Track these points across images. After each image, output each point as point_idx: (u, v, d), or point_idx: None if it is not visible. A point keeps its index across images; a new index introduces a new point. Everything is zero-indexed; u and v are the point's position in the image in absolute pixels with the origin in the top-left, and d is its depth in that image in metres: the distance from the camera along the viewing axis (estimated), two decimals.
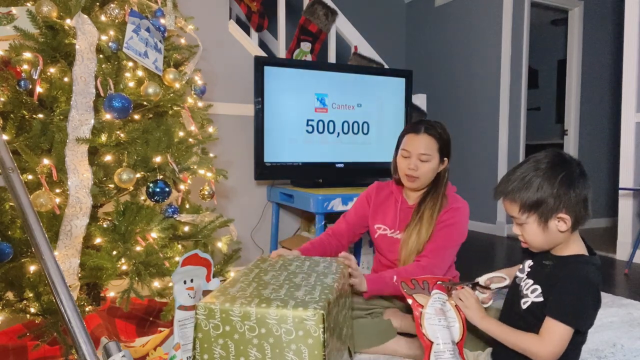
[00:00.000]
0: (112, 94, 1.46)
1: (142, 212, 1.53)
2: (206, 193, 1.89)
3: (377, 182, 1.86)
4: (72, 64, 1.46)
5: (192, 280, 1.23)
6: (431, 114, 3.72)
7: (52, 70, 1.48)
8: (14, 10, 1.46)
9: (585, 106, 4.68)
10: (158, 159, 1.58)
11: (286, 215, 2.99)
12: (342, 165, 2.85)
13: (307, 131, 2.74)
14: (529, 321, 1.11)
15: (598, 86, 4.76)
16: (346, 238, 1.80)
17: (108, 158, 1.54)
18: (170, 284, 1.49)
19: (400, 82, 3.00)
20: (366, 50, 3.22)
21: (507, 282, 1.28)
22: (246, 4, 2.99)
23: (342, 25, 3.16)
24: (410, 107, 3.05)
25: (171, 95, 1.69)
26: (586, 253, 1.13)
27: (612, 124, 4.75)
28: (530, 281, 1.15)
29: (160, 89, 1.60)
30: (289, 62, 2.84)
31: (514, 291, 1.21)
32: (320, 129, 2.78)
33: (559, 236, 1.10)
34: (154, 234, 1.54)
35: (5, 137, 1.35)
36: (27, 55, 1.44)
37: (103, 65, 1.52)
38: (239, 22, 3.10)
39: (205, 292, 1.24)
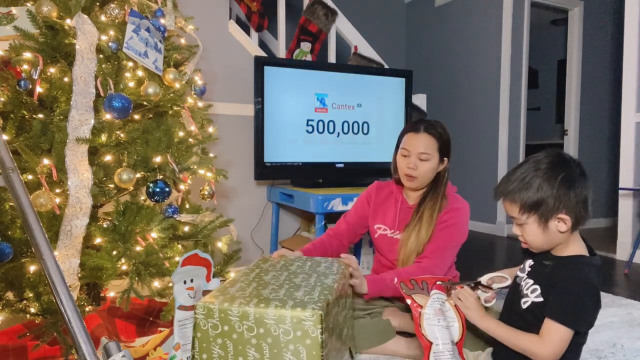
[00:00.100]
0: (112, 94, 1.46)
1: (142, 212, 1.53)
2: (206, 193, 1.89)
3: (377, 181, 1.86)
4: (72, 64, 1.46)
5: (192, 280, 1.23)
6: (431, 114, 3.72)
7: (52, 70, 1.48)
8: (14, 10, 1.46)
9: (585, 106, 4.68)
10: (158, 159, 1.58)
11: (286, 215, 3.00)
12: (342, 165, 2.85)
13: (307, 131, 2.74)
14: (529, 321, 1.11)
15: (598, 86, 4.76)
16: (347, 238, 1.80)
17: (108, 158, 1.54)
18: (170, 284, 1.49)
19: (400, 82, 3.00)
20: (366, 50, 3.22)
21: (508, 282, 1.28)
22: (246, 4, 2.99)
23: (342, 25, 3.16)
24: (410, 107, 3.05)
25: (171, 95, 1.69)
26: (586, 253, 1.12)
27: (612, 124, 4.75)
28: (531, 281, 1.15)
29: (160, 89, 1.60)
30: (289, 62, 2.84)
31: (514, 291, 1.21)
32: (320, 129, 2.78)
33: (559, 236, 1.10)
34: (154, 234, 1.54)
35: (5, 137, 1.35)
36: (27, 55, 1.44)
37: (103, 65, 1.52)
38: (239, 22, 3.10)
39: (205, 292, 1.24)
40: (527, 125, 4.37)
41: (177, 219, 1.67)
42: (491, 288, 1.29)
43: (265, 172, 2.64)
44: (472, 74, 4.45)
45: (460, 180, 4.40)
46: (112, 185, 1.54)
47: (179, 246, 1.67)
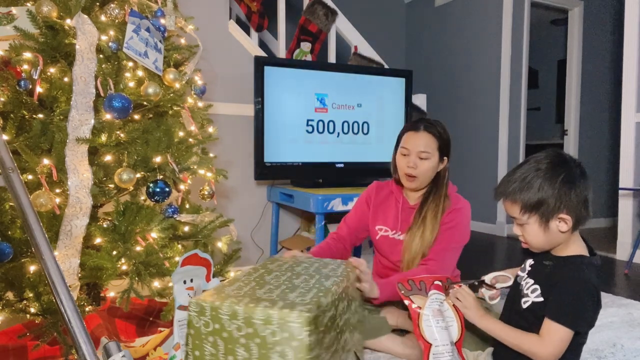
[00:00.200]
0: (112, 94, 1.46)
1: (142, 212, 1.53)
2: (206, 193, 1.89)
3: (376, 182, 1.84)
4: (72, 64, 1.46)
5: (192, 280, 1.23)
6: (431, 114, 3.72)
7: (52, 70, 1.48)
8: (14, 10, 1.46)
9: (585, 106, 4.68)
10: (158, 159, 1.58)
11: (286, 215, 3.00)
12: (342, 165, 2.85)
13: (307, 131, 2.74)
14: (530, 320, 1.11)
15: (598, 86, 4.76)
16: (349, 242, 1.78)
17: (108, 158, 1.54)
18: (170, 284, 1.49)
19: (400, 82, 3.00)
20: (366, 50, 3.22)
21: (511, 282, 1.28)
22: (246, 4, 2.99)
23: (342, 25, 3.16)
24: (410, 107, 3.05)
25: (171, 95, 1.69)
26: (586, 253, 1.12)
27: (612, 124, 4.75)
28: (531, 281, 1.15)
29: (160, 89, 1.60)
30: (289, 62, 2.84)
31: (514, 290, 1.21)
32: (320, 129, 2.78)
33: (560, 236, 1.10)
34: (154, 234, 1.54)
35: (5, 137, 1.35)
36: (27, 55, 1.44)
37: (103, 65, 1.52)
38: (239, 22, 3.10)
39: None
40: (527, 125, 4.37)
41: (177, 219, 1.67)
42: (494, 287, 1.29)
43: (265, 172, 2.64)
44: (472, 74, 4.45)
45: (460, 180, 4.40)
46: (112, 185, 1.54)
47: (179, 246, 1.67)
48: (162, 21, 1.73)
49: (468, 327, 1.22)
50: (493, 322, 1.16)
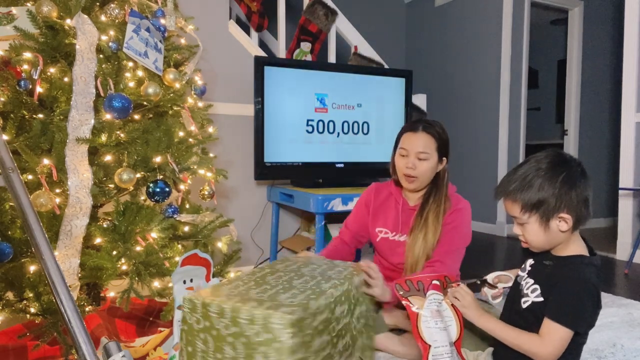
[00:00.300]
0: (112, 94, 1.46)
1: (142, 212, 1.53)
2: (206, 193, 1.89)
3: (374, 183, 1.83)
4: (72, 64, 1.46)
5: (191, 280, 1.23)
6: (431, 114, 3.72)
7: (52, 70, 1.48)
8: (14, 10, 1.46)
9: (585, 106, 4.68)
10: (158, 159, 1.58)
11: (286, 215, 3.00)
12: (342, 165, 2.85)
13: (307, 131, 2.74)
14: (529, 320, 1.11)
15: (598, 86, 4.76)
16: (352, 245, 1.79)
17: (108, 158, 1.54)
18: (170, 284, 1.49)
19: (400, 82, 3.00)
20: (366, 50, 3.22)
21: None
22: (246, 4, 2.99)
23: (342, 25, 3.16)
24: (410, 107, 3.05)
25: (171, 95, 1.69)
26: (586, 253, 1.12)
27: (612, 124, 4.75)
28: (531, 280, 1.15)
29: (160, 89, 1.60)
30: (289, 62, 2.84)
31: (515, 290, 1.21)
32: (320, 129, 2.78)
33: (560, 236, 1.10)
34: (154, 234, 1.54)
35: (5, 137, 1.35)
36: (27, 55, 1.44)
37: (103, 65, 1.52)
38: (239, 22, 3.10)
39: None
40: (527, 125, 4.37)
41: (177, 219, 1.67)
42: (496, 286, 1.29)
43: (265, 172, 2.64)
44: (472, 74, 4.45)
45: (460, 180, 4.40)
46: (112, 185, 1.54)
47: (179, 246, 1.67)
48: (162, 21, 1.73)
49: (468, 327, 1.22)
50: (492, 322, 1.15)
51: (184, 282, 1.22)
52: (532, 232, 1.11)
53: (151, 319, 1.74)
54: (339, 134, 2.83)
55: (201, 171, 1.79)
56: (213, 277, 1.29)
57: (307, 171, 2.77)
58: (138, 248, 1.49)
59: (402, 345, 1.48)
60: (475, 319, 1.16)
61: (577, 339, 1.09)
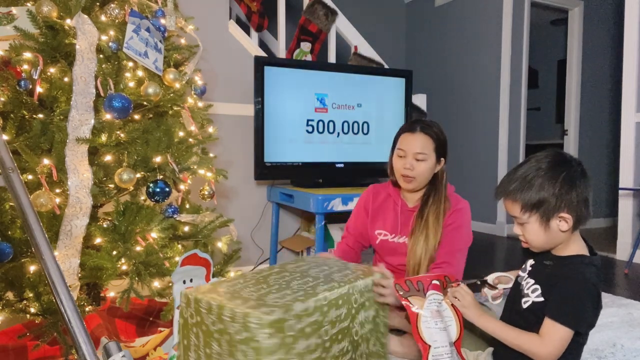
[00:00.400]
0: (112, 94, 1.46)
1: (142, 212, 1.53)
2: (206, 193, 1.89)
3: (372, 185, 1.82)
4: (72, 64, 1.46)
5: (191, 280, 1.23)
6: (431, 114, 3.72)
7: (52, 70, 1.48)
8: (14, 10, 1.46)
9: (585, 106, 4.68)
10: (158, 159, 1.58)
11: (286, 215, 3.00)
12: (342, 165, 2.85)
13: (307, 131, 2.74)
14: (530, 320, 1.11)
15: (598, 86, 4.76)
16: (357, 249, 1.79)
17: (108, 158, 1.54)
18: (170, 284, 1.49)
19: (400, 82, 3.00)
20: (366, 50, 3.22)
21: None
22: (246, 4, 2.99)
23: (342, 25, 3.16)
24: (410, 107, 3.05)
25: (171, 95, 1.69)
26: (587, 253, 1.12)
27: (612, 124, 4.75)
28: (532, 281, 1.15)
29: (160, 89, 1.60)
30: (289, 62, 2.84)
31: (515, 290, 1.21)
32: (320, 129, 2.78)
33: (560, 236, 1.10)
34: (154, 234, 1.54)
35: (5, 137, 1.35)
36: (27, 55, 1.44)
37: (103, 65, 1.52)
38: (239, 22, 3.10)
39: None
40: (527, 125, 4.37)
41: (177, 219, 1.67)
42: (497, 287, 1.29)
43: (265, 172, 2.64)
44: (472, 73, 4.45)
45: (460, 180, 4.40)
46: (112, 185, 1.54)
47: (179, 246, 1.67)
48: (162, 21, 1.73)
49: (468, 327, 1.22)
50: (492, 322, 1.15)
51: (184, 282, 1.22)
52: (533, 232, 1.11)
53: (151, 319, 1.74)
54: (339, 134, 2.83)
55: (201, 171, 1.79)
56: (213, 277, 1.29)
57: (307, 171, 2.77)
58: (138, 248, 1.49)
59: (402, 346, 1.48)
60: (475, 319, 1.16)
61: (578, 339, 1.09)
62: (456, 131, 4.60)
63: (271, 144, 2.63)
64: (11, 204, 1.42)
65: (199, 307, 1.01)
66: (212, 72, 2.61)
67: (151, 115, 1.72)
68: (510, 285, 1.27)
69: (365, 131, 2.91)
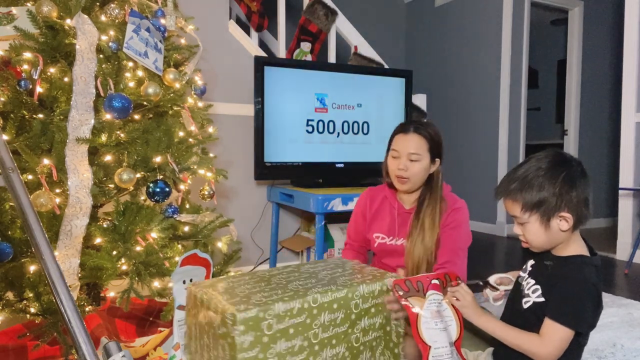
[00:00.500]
0: (112, 94, 1.46)
1: (142, 212, 1.53)
2: (206, 193, 1.89)
3: (367, 189, 1.81)
4: (72, 64, 1.46)
5: (191, 280, 1.23)
6: (431, 114, 3.72)
7: (52, 70, 1.49)
8: (14, 10, 1.46)
9: (585, 106, 4.69)
10: (158, 159, 1.58)
11: (286, 215, 3.00)
12: (342, 165, 2.85)
13: (307, 131, 2.74)
14: (530, 320, 1.11)
15: (598, 86, 4.76)
16: (363, 253, 1.79)
17: (108, 158, 1.54)
18: (170, 284, 1.49)
19: (400, 82, 3.00)
20: (366, 50, 3.22)
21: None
22: (246, 4, 2.99)
23: (342, 25, 3.16)
24: (410, 107, 3.05)
25: (171, 95, 1.69)
26: (587, 253, 1.12)
27: (612, 124, 4.75)
28: (532, 281, 1.15)
29: (160, 89, 1.60)
30: (289, 62, 2.84)
31: (516, 290, 1.21)
32: (320, 129, 2.78)
33: (561, 235, 1.10)
34: (154, 234, 1.54)
35: (5, 137, 1.35)
36: (27, 55, 1.44)
37: (103, 65, 1.52)
38: (239, 22, 3.10)
39: None
40: (527, 125, 4.37)
41: (177, 219, 1.67)
42: (498, 288, 1.28)
43: (265, 172, 2.64)
44: (472, 74, 4.45)
45: (460, 180, 4.40)
46: (112, 185, 1.54)
47: (179, 246, 1.67)
48: (162, 21, 1.73)
49: (468, 327, 1.22)
50: (492, 322, 1.15)
51: (184, 282, 1.22)
52: (533, 232, 1.11)
53: (151, 319, 1.74)
54: (339, 134, 2.83)
55: (201, 171, 1.79)
56: (213, 277, 1.29)
57: (307, 171, 2.77)
58: (138, 248, 1.49)
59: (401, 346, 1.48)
60: (474, 319, 1.16)
61: (579, 340, 1.09)
62: (456, 131, 4.60)
63: (271, 144, 2.63)
64: (11, 204, 1.42)
65: (195, 302, 1.06)
66: (212, 72, 2.61)
67: (151, 115, 1.72)
68: (511, 287, 1.27)
69: (365, 131, 2.91)
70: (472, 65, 4.46)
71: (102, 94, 1.49)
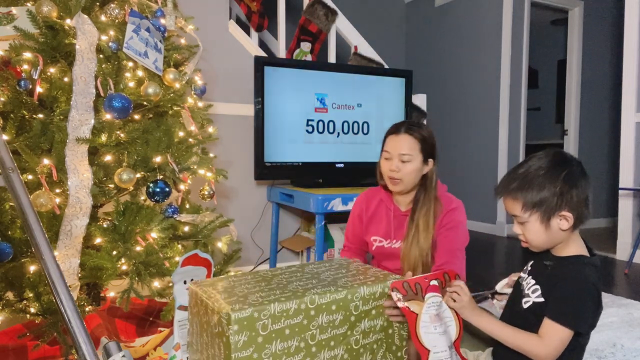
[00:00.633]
0: (112, 94, 1.46)
1: (142, 212, 1.53)
2: (206, 193, 1.89)
3: (363, 192, 1.80)
4: (72, 64, 1.46)
5: (192, 280, 1.23)
6: (431, 114, 3.72)
7: (52, 70, 1.49)
8: (14, 10, 1.46)
9: (585, 106, 4.69)
10: (158, 159, 1.58)
11: (286, 215, 3.00)
12: (342, 165, 2.85)
13: (307, 131, 2.74)
14: (530, 320, 1.11)
15: (598, 86, 4.76)
16: (362, 255, 1.78)
17: (108, 158, 1.54)
18: (170, 284, 1.49)
19: (400, 82, 3.00)
20: (366, 50, 3.22)
21: None
22: (246, 4, 2.99)
23: (342, 25, 3.16)
24: (410, 107, 3.05)
25: (171, 95, 1.69)
26: (586, 253, 1.12)
27: (612, 124, 4.75)
28: (532, 281, 1.15)
29: (160, 89, 1.60)
30: (289, 62, 2.84)
31: (516, 290, 1.21)
32: (320, 129, 2.78)
33: (561, 235, 1.10)
34: (154, 234, 1.54)
35: (5, 137, 1.35)
36: (27, 55, 1.44)
37: (103, 65, 1.52)
38: (239, 22, 3.10)
39: None
40: (527, 125, 4.37)
41: (177, 219, 1.67)
42: (502, 294, 1.28)
43: (265, 172, 2.64)
44: (472, 73, 4.45)
45: (460, 180, 4.40)
46: (112, 185, 1.54)
47: (179, 246, 1.67)
48: (162, 21, 1.73)
49: (468, 328, 1.21)
50: (491, 322, 1.15)
51: (185, 282, 1.22)
52: (533, 231, 1.11)
53: (151, 319, 1.74)
54: (339, 134, 2.83)
55: (201, 171, 1.79)
56: (213, 277, 1.29)
57: (307, 171, 2.77)
58: (138, 248, 1.49)
59: None
60: (473, 319, 1.16)
61: (579, 340, 1.09)
62: (456, 131, 4.60)
63: (271, 144, 2.63)
64: (11, 204, 1.42)
65: (197, 300, 1.07)
66: (212, 72, 2.61)
67: (151, 115, 1.72)
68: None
69: (365, 131, 2.91)
70: (472, 65, 4.45)
71: (102, 94, 1.49)
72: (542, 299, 1.10)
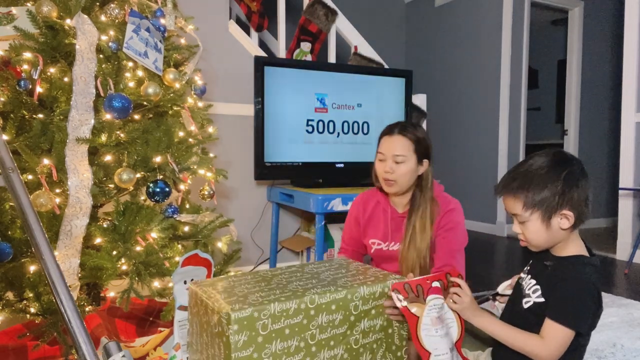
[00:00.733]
0: (112, 94, 1.46)
1: (142, 212, 1.53)
2: (206, 193, 1.89)
3: (360, 194, 1.80)
4: (72, 64, 1.46)
5: (192, 280, 1.23)
6: (431, 114, 3.72)
7: (52, 70, 1.49)
8: (14, 10, 1.46)
9: (585, 106, 4.69)
10: (158, 159, 1.58)
11: (286, 215, 3.00)
12: (342, 165, 2.85)
13: (307, 131, 2.74)
14: (530, 320, 1.11)
15: (598, 86, 4.76)
16: (358, 258, 1.77)
17: (108, 158, 1.54)
18: (170, 284, 1.49)
19: (400, 82, 3.00)
20: (366, 50, 3.22)
21: None
22: (246, 4, 2.99)
23: (342, 25, 3.16)
24: (410, 107, 3.05)
25: (171, 95, 1.69)
26: (586, 253, 1.12)
27: (612, 124, 4.75)
28: (533, 281, 1.15)
29: (160, 89, 1.60)
30: (289, 62, 2.84)
31: (516, 290, 1.21)
32: (320, 129, 2.78)
33: (561, 234, 1.10)
34: (154, 234, 1.54)
35: (5, 137, 1.35)
36: (27, 55, 1.44)
37: (103, 65, 1.52)
38: (239, 22, 3.10)
39: None
40: (527, 125, 4.37)
41: (177, 219, 1.67)
42: (504, 295, 1.28)
43: (265, 172, 2.64)
44: (472, 73, 4.45)
45: (460, 180, 4.40)
46: (112, 185, 1.54)
47: (179, 246, 1.67)
48: (162, 21, 1.73)
49: (469, 328, 1.21)
50: (492, 322, 1.15)
51: (185, 282, 1.22)
52: (533, 230, 1.10)
53: (151, 319, 1.74)
54: (339, 134, 2.83)
55: (201, 171, 1.79)
56: (214, 277, 1.29)
57: (307, 171, 2.77)
58: (138, 248, 1.49)
59: None
60: (474, 320, 1.16)
61: (580, 340, 1.09)
62: (456, 131, 4.60)
63: (271, 144, 2.63)
64: (11, 204, 1.42)
65: (196, 300, 1.07)
66: (212, 72, 2.61)
67: (151, 115, 1.72)
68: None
69: (365, 131, 2.91)
70: (472, 65, 4.45)
71: (102, 94, 1.49)
72: (542, 299, 1.10)
